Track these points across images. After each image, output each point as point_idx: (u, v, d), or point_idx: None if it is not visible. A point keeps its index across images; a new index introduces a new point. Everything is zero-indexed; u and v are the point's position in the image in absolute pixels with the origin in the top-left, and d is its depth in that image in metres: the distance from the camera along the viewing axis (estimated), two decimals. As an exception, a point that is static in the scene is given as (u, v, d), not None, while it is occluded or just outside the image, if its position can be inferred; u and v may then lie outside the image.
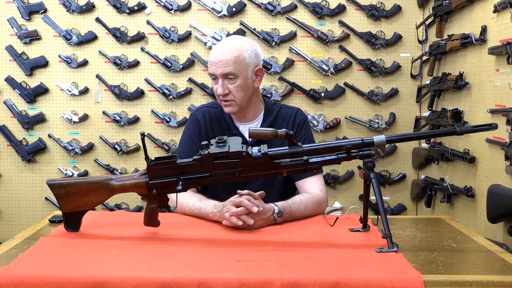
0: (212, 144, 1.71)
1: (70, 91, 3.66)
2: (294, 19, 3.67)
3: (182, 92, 3.69)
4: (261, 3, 3.66)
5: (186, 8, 3.67)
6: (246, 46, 2.13)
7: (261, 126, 2.20)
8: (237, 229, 1.83)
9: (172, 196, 1.79)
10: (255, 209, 1.80)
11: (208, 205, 1.97)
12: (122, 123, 3.70)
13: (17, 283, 1.36)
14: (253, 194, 1.87)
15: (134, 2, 3.66)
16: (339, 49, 3.70)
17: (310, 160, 1.67)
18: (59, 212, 1.92)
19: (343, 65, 3.69)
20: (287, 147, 1.67)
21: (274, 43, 3.66)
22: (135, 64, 3.68)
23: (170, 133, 3.73)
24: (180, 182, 1.70)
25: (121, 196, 3.14)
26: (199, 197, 2.05)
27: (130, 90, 3.69)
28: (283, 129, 1.67)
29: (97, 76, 3.68)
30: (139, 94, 3.68)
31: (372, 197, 1.62)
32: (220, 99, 2.15)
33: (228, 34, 3.64)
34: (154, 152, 3.68)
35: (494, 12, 2.62)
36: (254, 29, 3.66)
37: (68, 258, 1.51)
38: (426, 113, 3.54)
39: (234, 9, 3.66)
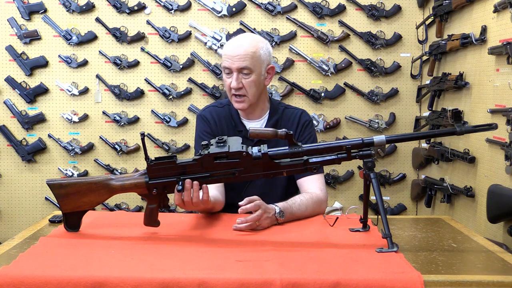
0: (212, 144, 1.71)
1: (70, 91, 3.66)
2: (294, 19, 3.67)
3: (182, 92, 3.69)
4: (261, 3, 3.66)
5: (186, 8, 3.67)
6: (261, 44, 2.16)
7: (266, 124, 2.21)
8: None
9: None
10: (257, 223, 1.82)
11: None
12: (122, 123, 3.69)
13: (17, 283, 1.36)
14: (252, 207, 1.85)
15: (134, 2, 3.66)
16: (339, 49, 3.70)
17: (310, 160, 1.68)
18: (59, 212, 1.92)
19: (343, 65, 3.69)
20: (287, 147, 1.68)
21: (274, 43, 3.66)
22: (135, 64, 3.68)
23: (170, 133, 3.73)
24: (180, 182, 1.71)
25: (121, 196, 3.13)
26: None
27: (130, 90, 3.69)
28: (283, 129, 1.67)
29: (97, 76, 3.68)
30: (139, 94, 3.68)
31: (372, 197, 1.63)
32: (231, 94, 2.15)
33: (228, 34, 3.64)
34: (154, 152, 3.68)
35: (494, 12, 2.62)
36: (254, 29, 3.66)
37: (68, 258, 1.51)
38: (426, 113, 3.54)
39: (234, 9, 3.66)
